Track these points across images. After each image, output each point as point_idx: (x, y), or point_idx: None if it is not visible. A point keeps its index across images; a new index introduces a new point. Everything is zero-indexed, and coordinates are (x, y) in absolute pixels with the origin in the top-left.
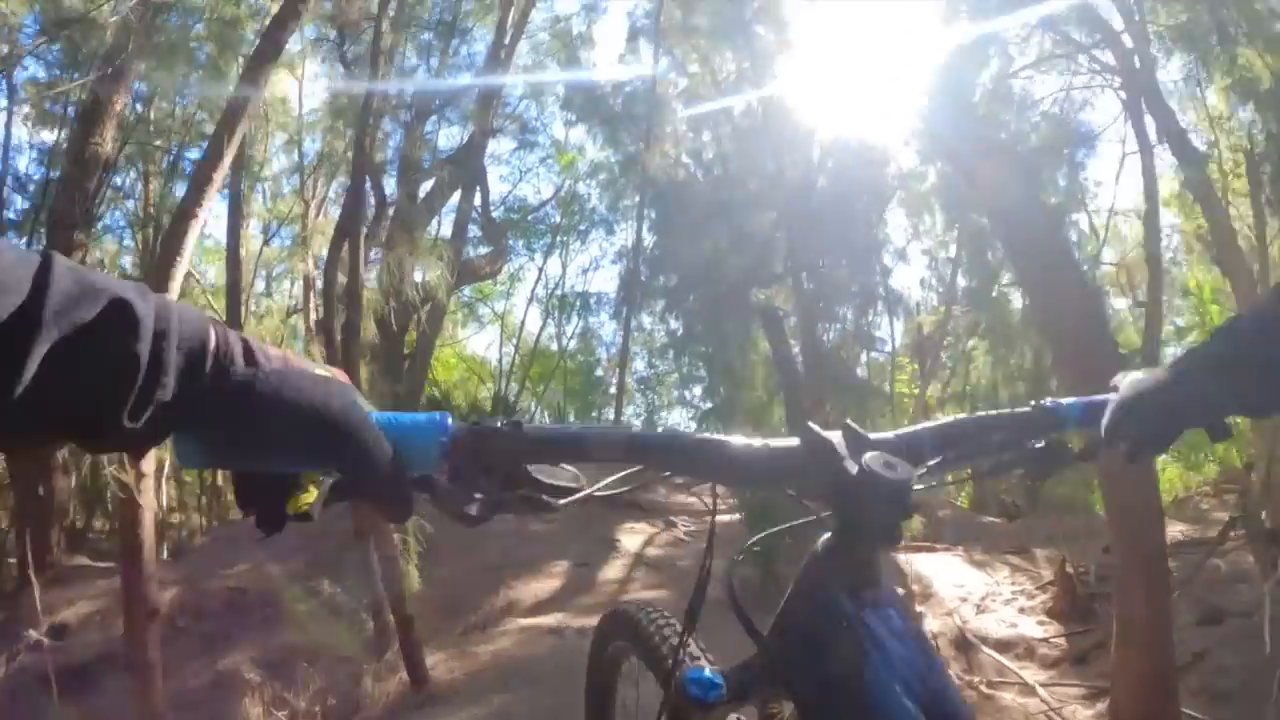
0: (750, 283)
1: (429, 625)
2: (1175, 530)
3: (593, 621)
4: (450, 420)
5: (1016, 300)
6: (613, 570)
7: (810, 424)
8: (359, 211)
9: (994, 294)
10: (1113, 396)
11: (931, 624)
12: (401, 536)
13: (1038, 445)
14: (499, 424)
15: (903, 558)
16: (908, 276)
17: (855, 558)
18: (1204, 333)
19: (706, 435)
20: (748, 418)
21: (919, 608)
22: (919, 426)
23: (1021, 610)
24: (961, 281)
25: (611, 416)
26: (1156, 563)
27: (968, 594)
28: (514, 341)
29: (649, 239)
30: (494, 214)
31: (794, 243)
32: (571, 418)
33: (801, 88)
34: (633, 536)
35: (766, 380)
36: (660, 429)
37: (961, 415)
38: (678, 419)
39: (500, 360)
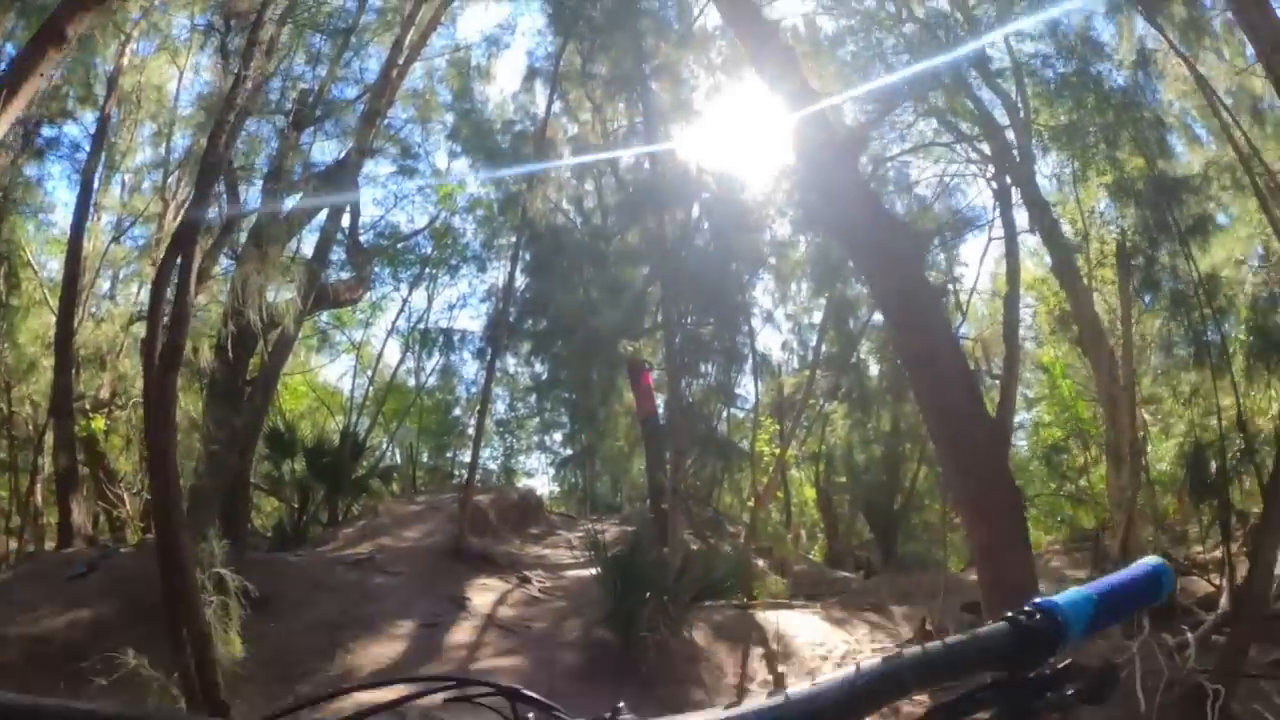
0: (619, 333)
1: (258, 691)
2: None
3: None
4: None
5: (874, 367)
6: (462, 632)
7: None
8: (199, 218)
9: (854, 360)
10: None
11: (794, 684)
12: (221, 599)
13: (1025, 676)
14: None
15: (762, 615)
16: (772, 339)
17: None
18: (1053, 405)
19: None
20: (608, 467)
21: (780, 667)
22: (823, 680)
23: None
24: (824, 347)
25: (467, 458)
26: None
27: (828, 652)
28: (369, 373)
29: (521, 281)
30: (362, 238)
31: (666, 298)
32: (425, 457)
33: (689, 149)
34: (484, 594)
35: (628, 431)
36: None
37: (900, 652)
38: (536, 464)
39: (353, 392)
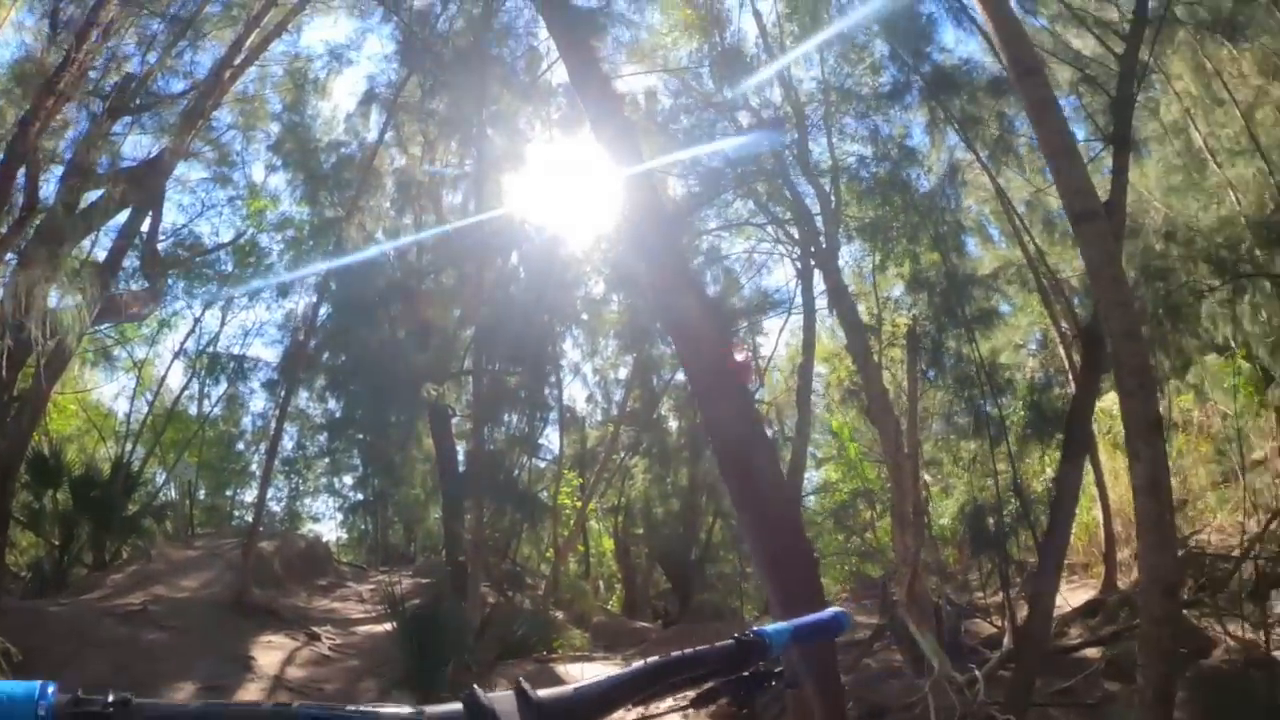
0: (423, 376)
1: None
2: None
3: None
4: (51, 692)
5: (675, 423)
6: (249, 695)
7: (475, 688)
8: None
9: (656, 416)
10: (786, 625)
11: None
12: None
13: (744, 675)
14: (109, 700)
15: (563, 669)
16: (578, 392)
17: None
18: (840, 465)
19: (363, 710)
20: (402, 514)
21: None
22: (606, 678)
23: (687, 716)
24: (628, 403)
25: (249, 497)
26: (829, 674)
27: (627, 706)
28: (149, 397)
29: (325, 311)
30: (161, 245)
31: (476, 343)
32: (202, 494)
33: (514, 198)
34: (270, 653)
35: (425, 478)
36: (306, 704)
37: (657, 658)
38: (323, 508)
39: (130, 416)
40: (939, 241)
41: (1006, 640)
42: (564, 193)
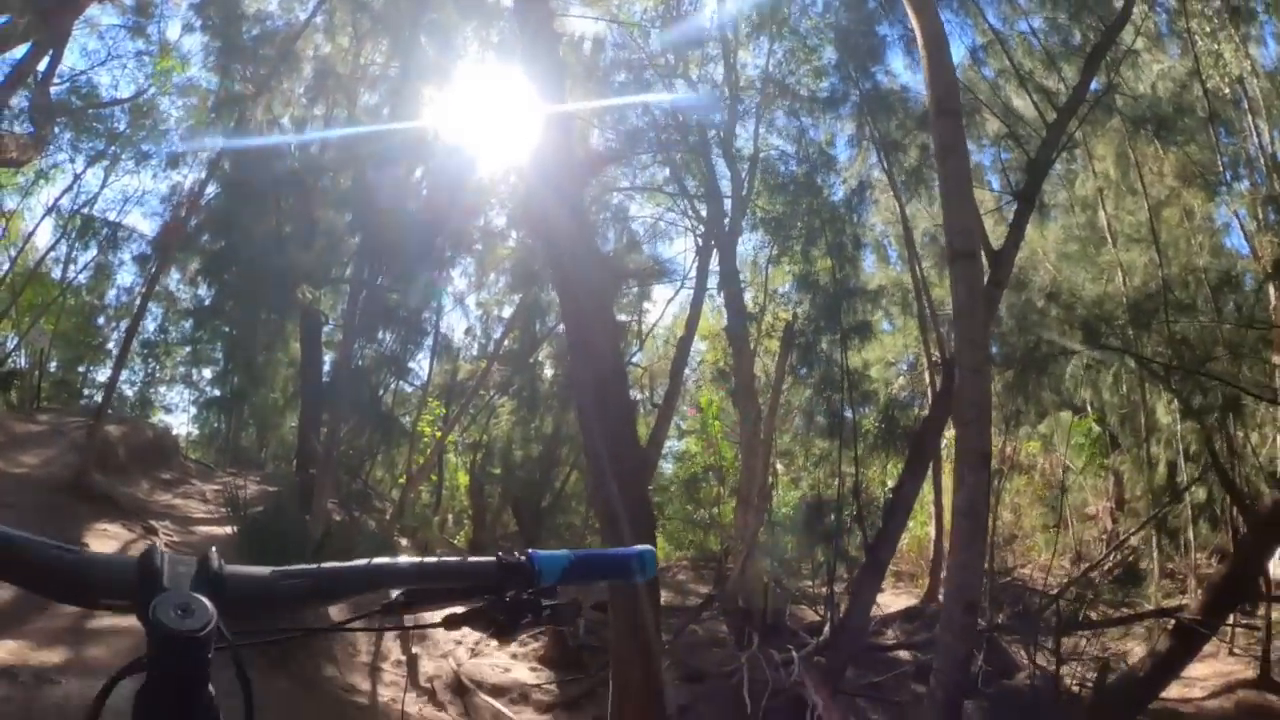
0: (302, 277)
1: None
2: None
3: (50, 656)
4: None
5: (549, 371)
6: None
7: (156, 544)
8: None
9: (532, 361)
10: (569, 552)
11: (427, 666)
12: None
13: (503, 600)
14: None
15: (394, 593)
16: (458, 322)
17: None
18: (701, 440)
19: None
20: (257, 418)
21: (415, 648)
22: (324, 566)
23: (514, 656)
24: (506, 343)
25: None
26: (650, 633)
27: (462, 637)
28: (11, 254)
29: (212, 190)
30: (54, 90)
31: (362, 253)
32: (54, 366)
33: (432, 113)
34: (105, 541)
35: (286, 384)
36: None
37: (394, 560)
38: (178, 399)
39: None
40: (836, 250)
41: (826, 630)
42: (484, 119)
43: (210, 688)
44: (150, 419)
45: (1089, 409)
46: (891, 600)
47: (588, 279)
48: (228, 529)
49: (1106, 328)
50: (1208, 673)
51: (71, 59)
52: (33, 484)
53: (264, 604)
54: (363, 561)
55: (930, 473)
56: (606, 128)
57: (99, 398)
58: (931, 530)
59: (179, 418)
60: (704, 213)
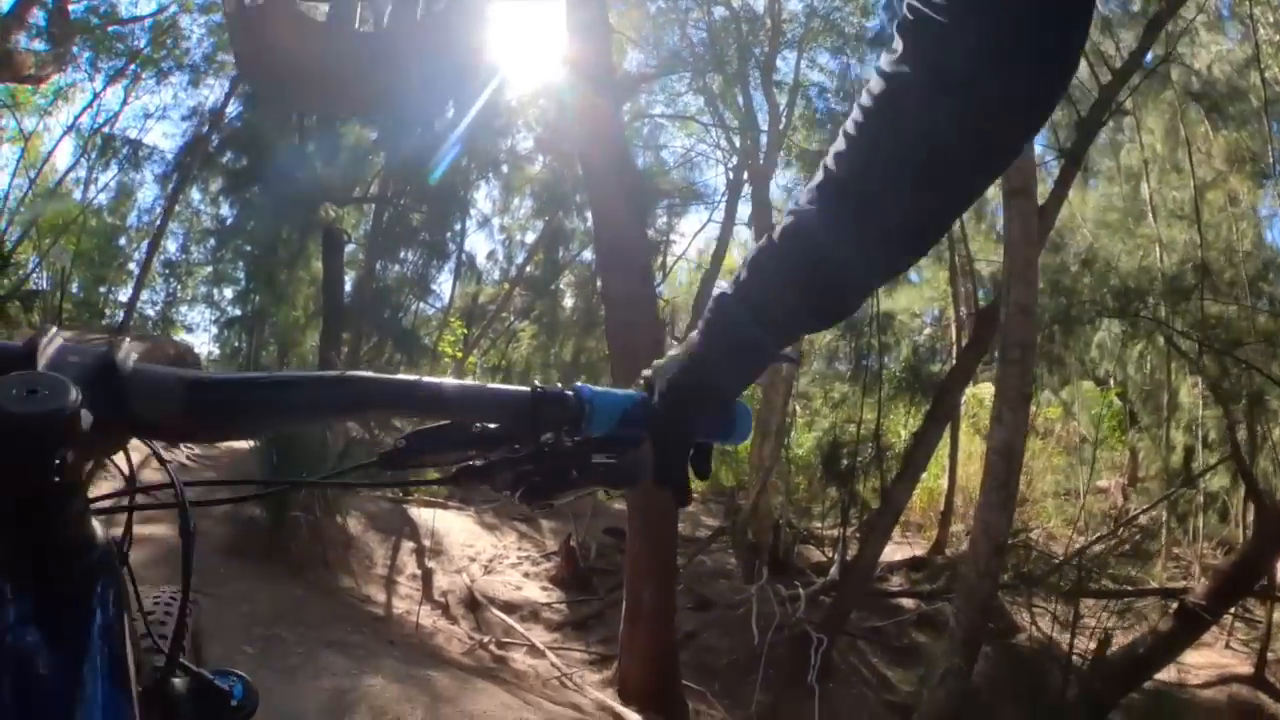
0: (325, 195)
1: None
2: None
3: None
4: None
5: (571, 299)
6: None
7: (45, 326)
8: None
9: (554, 288)
10: (634, 392)
11: (441, 581)
12: None
13: (533, 449)
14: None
15: (415, 511)
16: (481, 245)
17: None
18: None
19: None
20: (279, 336)
21: (430, 563)
22: (304, 374)
23: (526, 575)
24: (530, 268)
25: (124, 296)
26: (666, 555)
27: (477, 554)
28: (32, 174)
29: (235, 108)
30: (72, 7)
31: (387, 172)
32: (76, 286)
33: (467, 29)
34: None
35: (308, 302)
36: None
37: (382, 374)
38: (198, 319)
39: (9, 193)
40: None
41: (834, 570)
42: (518, 34)
43: (96, 527)
44: (172, 337)
45: (1112, 382)
46: (897, 550)
47: (623, 194)
48: (249, 441)
49: (1139, 301)
50: (1203, 662)
51: None
52: None
53: (179, 424)
54: (334, 373)
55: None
56: (646, 47)
57: (121, 317)
58: (944, 483)
59: (200, 337)
60: (738, 145)
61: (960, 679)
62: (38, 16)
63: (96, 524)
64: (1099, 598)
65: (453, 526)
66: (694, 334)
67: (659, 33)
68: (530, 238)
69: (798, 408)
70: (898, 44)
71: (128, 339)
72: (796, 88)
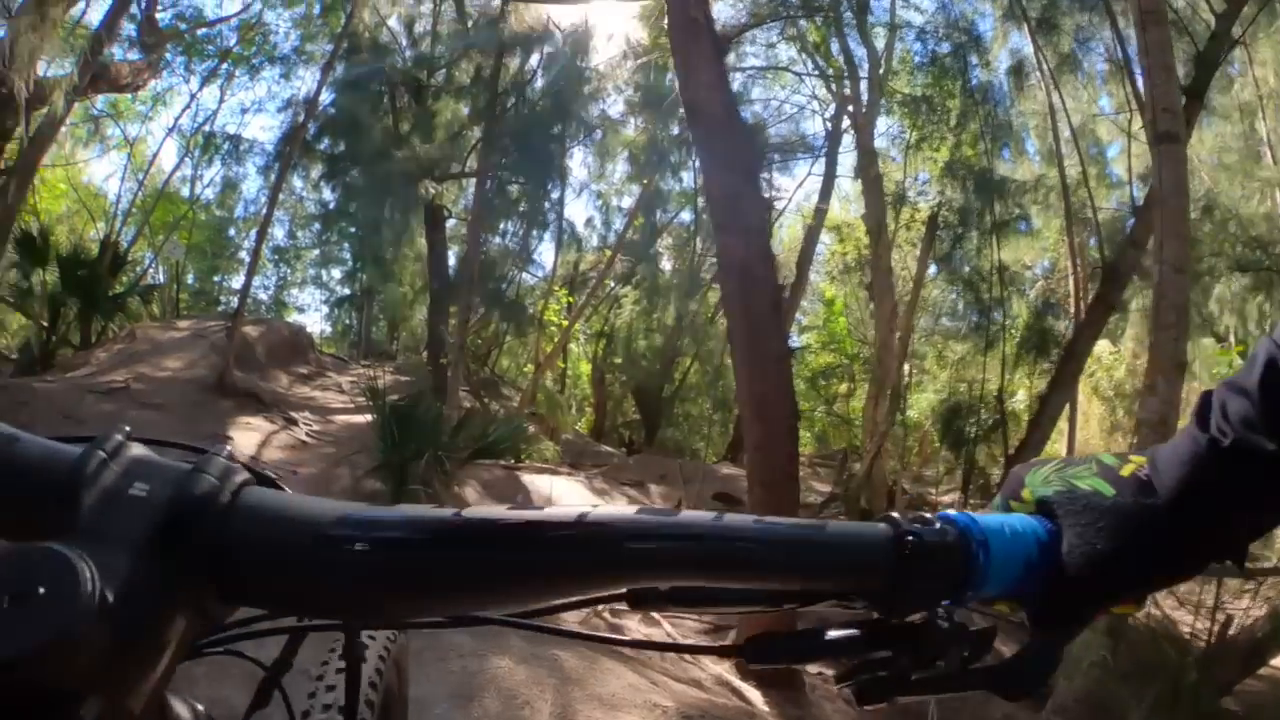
0: (424, 172)
1: None
2: None
3: None
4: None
5: (669, 263)
6: None
7: (111, 431)
8: None
9: (654, 251)
10: (1034, 521)
11: None
12: None
13: (905, 623)
14: None
15: (527, 478)
16: (580, 212)
17: None
18: (822, 335)
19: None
20: (387, 312)
21: None
22: (455, 513)
23: None
24: (629, 233)
25: (238, 284)
26: (789, 498)
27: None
28: (141, 177)
29: (328, 96)
30: (160, 16)
31: (483, 146)
32: (191, 278)
33: None
34: (248, 434)
35: (414, 278)
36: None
37: (642, 511)
38: (309, 300)
39: (120, 197)
40: (980, 137)
41: None
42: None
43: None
44: (285, 319)
45: (1233, 339)
46: None
47: (734, 152)
48: (365, 417)
49: (1261, 251)
50: None
51: None
52: (179, 384)
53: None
54: (568, 511)
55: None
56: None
57: (236, 303)
58: (1061, 448)
59: (312, 316)
60: (835, 93)
61: (1104, 669)
62: (128, 28)
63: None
64: (1224, 576)
65: (565, 492)
66: (1142, 462)
67: None
68: (627, 202)
69: (908, 368)
70: None
71: (228, 446)
72: (894, 29)
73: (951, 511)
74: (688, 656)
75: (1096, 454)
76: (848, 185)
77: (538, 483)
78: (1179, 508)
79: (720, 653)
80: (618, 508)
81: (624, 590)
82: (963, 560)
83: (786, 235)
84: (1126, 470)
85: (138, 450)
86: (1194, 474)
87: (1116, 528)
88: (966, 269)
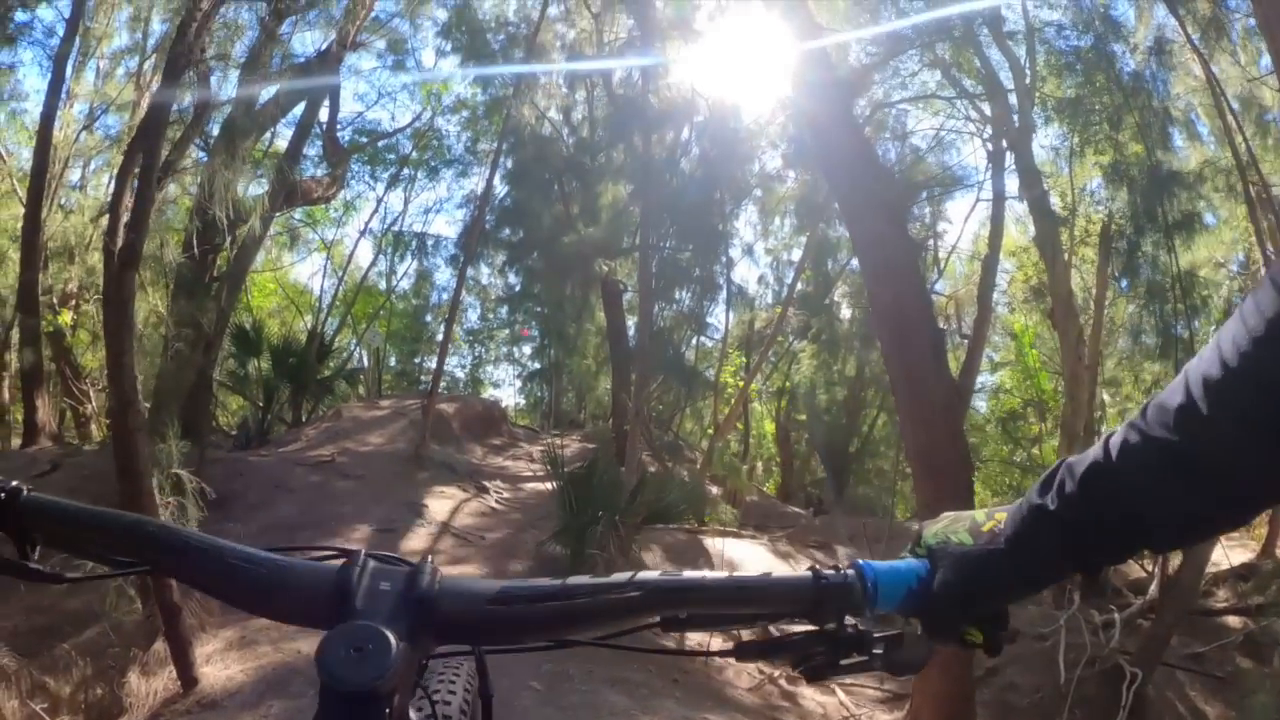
0: (596, 251)
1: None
2: None
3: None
4: None
5: (846, 311)
6: (417, 538)
7: (358, 554)
8: (164, 112)
9: (828, 302)
10: (916, 564)
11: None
12: (178, 500)
13: (825, 628)
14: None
15: (710, 541)
16: (749, 272)
17: None
18: (1016, 373)
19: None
20: (574, 383)
21: None
22: (570, 583)
23: None
24: (799, 286)
25: (433, 364)
26: None
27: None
28: (340, 274)
29: (500, 188)
30: (340, 134)
31: (646, 219)
32: (392, 362)
33: (685, 69)
34: (442, 502)
35: (598, 350)
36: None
37: (663, 574)
38: (503, 376)
39: (322, 292)
40: (1143, 130)
41: (1153, 587)
42: (737, 61)
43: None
44: (480, 394)
45: None
46: (1221, 555)
47: (874, 196)
48: (551, 485)
49: None
50: None
51: (349, 105)
52: (380, 458)
53: (483, 634)
54: (623, 576)
55: None
56: (864, 41)
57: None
58: None
59: (506, 390)
60: (988, 112)
61: None
62: (313, 146)
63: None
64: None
65: (747, 556)
66: (1000, 519)
67: (871, 15)
68: (795, 254)
69: (1106, 397)
70: None
71: (430, 558)
72: (1031, 33)
73: (861, 560)
74: None
75: (974, 511)
76: (1019, 207)
77: (718, 546)
78: (1013, 554)
79: (721, 654)
80: (650, 572)
81: (657, 619)
82: (860, 590)
83: (964, 269)
84: (988, 526)
85: (373, 564)
86: (1024, 530)
87: (968, 567)
88: (1145, 279)
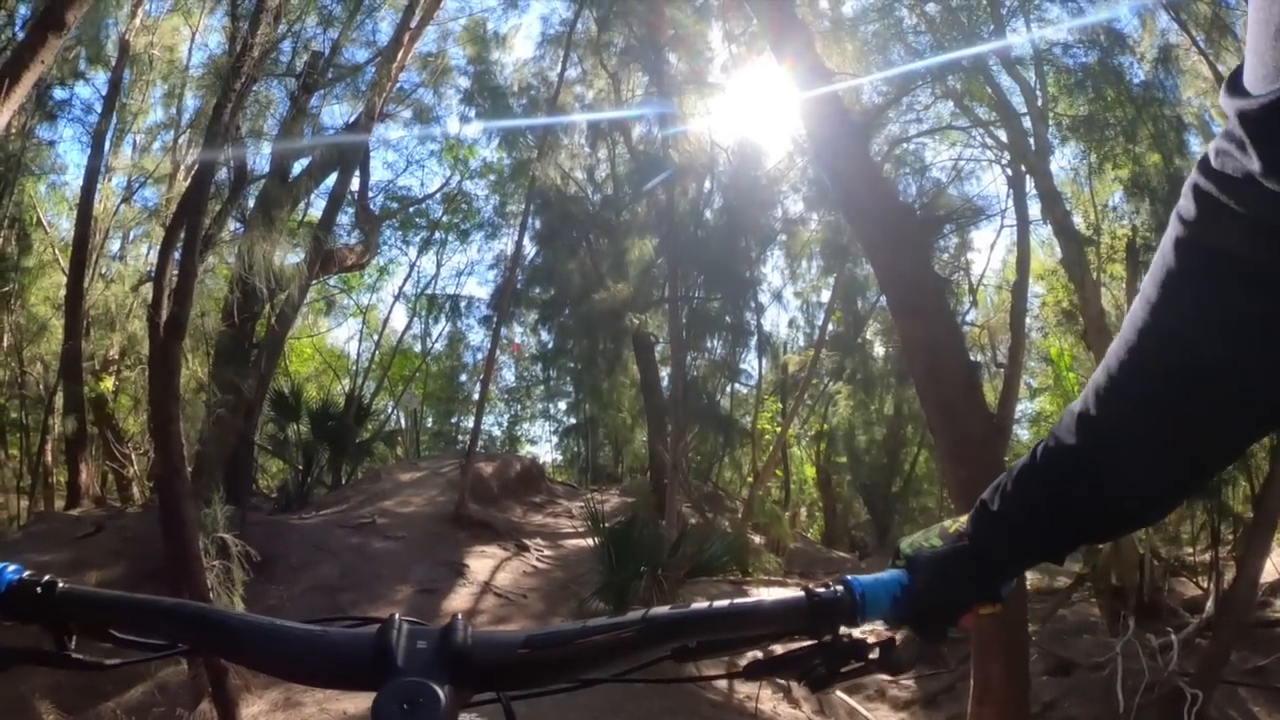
0: (626, 306)
1: None
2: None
3: None
4: (12, 569)
5: (879, 349)
6: (459, 598)
7: (395, 616)
8: (205, 185)
9: (860, 341)
10: (898, 574)
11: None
12: (223, 563)
13: (821, 641)
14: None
15: (755, 591)
16: (779, 317)
17: None
18: (1056, 397)
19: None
20: (610, 438)
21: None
22: (592, 624)
23: None
24: (830, 327)
25: (470, 424)
26: (1016, 627)
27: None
28: (376, 338)
29: (530, 248)
30: (371, 201)
31: (674, 271)
32: (429, 422)
33: (702, 121)
34: (482, 561)
35: (632, 403)
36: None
37: (673, 608)
38: (539, 432)
39: (359, 356)
40: (1159, 140)
41: (1209, 605)
42: (753, 110)
43: None
44: (519, 453)
45: None
46: (1272, 566)
47: (895, 234)
48: (591, 541)
49: None
50: None
51: (379, 173)
52: (420, 518)
53: (516, 678)
54: (636, 614)
55: None
56: (874, 82)
57: (466, 442)
58: None
59: (543, 447)
60: (1005, 138)
61: None
62: (346, 215)
63: None
64: None
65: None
66: (963, 522)
67: (881, 54)
68: (824, 296)
69: None
70: (1188, 209)
71: (460, 615)
72: (1039, 55)
73: (849, 576)
74: None
75: (944, 520)
76: (1045, 230)
77: (762, 594)
78: (976, 550)
79: (732, 676)
80: (663, 608)
81: (669, 651)
82: (850, 602)
83: (994, 296)
84: (954, 529)
85: (406, 626)
86: (978, 527)
87: (940, 567)
88: None
